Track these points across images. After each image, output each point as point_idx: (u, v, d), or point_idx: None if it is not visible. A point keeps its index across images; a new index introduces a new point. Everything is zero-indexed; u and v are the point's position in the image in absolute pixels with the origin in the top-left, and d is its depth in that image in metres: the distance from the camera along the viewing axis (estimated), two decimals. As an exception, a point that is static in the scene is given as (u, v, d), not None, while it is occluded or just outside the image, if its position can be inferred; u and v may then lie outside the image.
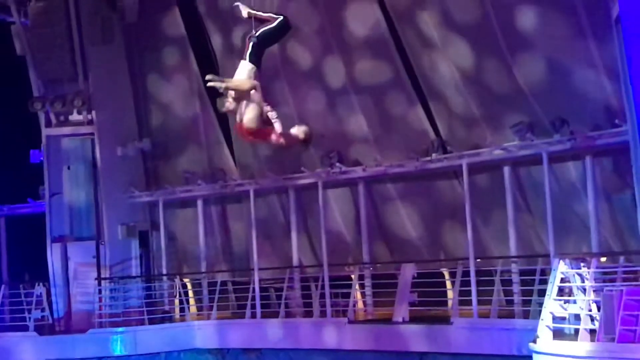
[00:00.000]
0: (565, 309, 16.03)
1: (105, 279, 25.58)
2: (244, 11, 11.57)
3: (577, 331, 15.50)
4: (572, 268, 16.13)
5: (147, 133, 27.25)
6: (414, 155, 22.24)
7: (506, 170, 20.77)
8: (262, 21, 11.55)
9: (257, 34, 11.43)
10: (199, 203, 26.54)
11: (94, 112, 26.21)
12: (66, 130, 26.45)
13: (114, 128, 26.52)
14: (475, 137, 21.66)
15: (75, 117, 26.35)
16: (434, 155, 21.90)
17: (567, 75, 19.57)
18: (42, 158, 26.55)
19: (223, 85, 11.32)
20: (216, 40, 25.95)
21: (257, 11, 11.64)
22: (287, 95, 24.71)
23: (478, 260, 20.82)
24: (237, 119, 11.60)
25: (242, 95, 11.40)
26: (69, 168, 26.32)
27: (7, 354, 24.13)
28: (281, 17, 11.51)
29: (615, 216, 19.50)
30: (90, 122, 26.31)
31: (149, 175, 27.59)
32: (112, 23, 26.25)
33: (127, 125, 26.83)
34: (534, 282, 19.33)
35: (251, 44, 11.37)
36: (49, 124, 26.47)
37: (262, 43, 11.50)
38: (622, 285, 15.38)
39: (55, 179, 26.39)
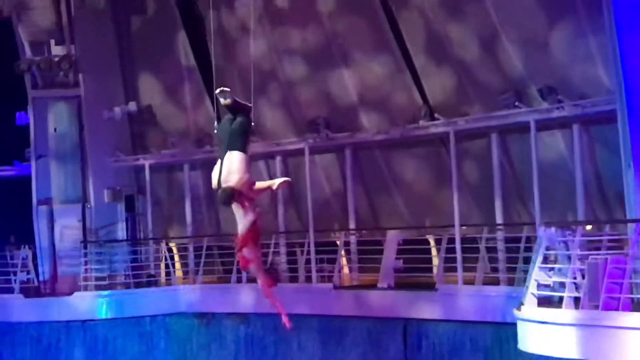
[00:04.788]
0: (550, 277, 16.10)
1: (91, 242, 25.56)
2: (228, 99, 10.38)
3: (561, 299, 15.56)
4: (557, 236, 16.18)
5: (133, 96, 27.14)
6: (401, 122, 22.22)
7: (493, 138, 20.78)
8: (237, 108, 10.48)
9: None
10: (185, 167, 26.51)
11: (80, 75, 26.08)
12: (52, 92, 26.30)
13: (101, 91, 26.40)
14: (463, 104, 21.64)
15: (61, 79, 26.21)
16: (421, 122, 21.89)
17: (555, 44, 19.55)
18: (28, 120, 26.43)
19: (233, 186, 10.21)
20: (204, 4, 25.78)
21: (237, 99, 10.50)
22: (273, 60, 24.65)
23: (464, 227, 20.87)
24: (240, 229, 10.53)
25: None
26: (55, 131, 26.21)
27: (-7, 316, 24.21)
28: (251, 105, 10.65)
29: (602, 185, 19.56)
30: (76, 85, 26.18)
31: (135, 139, 27.52)
32: (99, -15, 26.09)
33: (113, 89, 26.73)
34: (519, 250, 19.40)
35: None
36: (35, 86, 26.34)
37: None
38: (607, 254, 15.43)
39: (42, 141, 26.30)
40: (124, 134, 27.07)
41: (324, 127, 23.52)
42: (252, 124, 10.40)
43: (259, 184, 10.55)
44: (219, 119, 10.80)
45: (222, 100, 10.34)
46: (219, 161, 10.30)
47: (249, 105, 10.52)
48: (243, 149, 10.31)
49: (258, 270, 10.51)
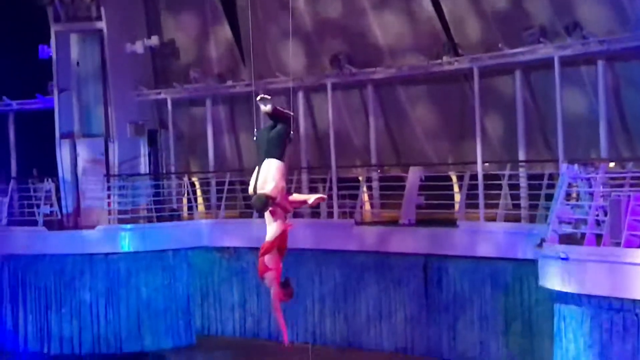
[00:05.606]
0: (572, 214, 16.09)
1: (113, 176, 25.63)
2: (268, 107, 10.39)
3: (583, 235, 15.57)
4: (580, 173, 16.14)
5: (155, 30, 27.04)
6: (425, 58, 22.08)
7: (517, 74, 20.63)
8: (277, 115, 10.51)
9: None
10: (208, 102, 26.49)
11: (102, 8, 25.91)
12: (75, 26, 26.16)
13: (123, 25, 26.20)
14: (487, 40, 21.47)
15: (84, 13, 26.06)
16: (444, 58, 21.73)
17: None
18: (50, 54, 26.36)
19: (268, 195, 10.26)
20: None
21: (277, 106, 10.50)
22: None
23: (486, 164, 20.82)
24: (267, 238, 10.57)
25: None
26: (77, 64, 26.14)
27: (17, 248, 24.37)
28: (291, 114, 10.67)
29: (626, 122, 19.43)
30: (99, 18, 26.03)
31: (158, 74, 27.49)
32: None
33: (135, 22, 26.57)
34: (541, 187, 19.35)
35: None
36: (57, 19, 26.18)
37: None
38: (630, 191, 15.37)
39: (64, 75, 26.19)
40: (146, 68, 27.02)
41: (347, 63, 23.40)
42: (292, 132, 10.46)
43: (295, 196, 10.72)
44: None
45: (262, 107, 10.44)
46: (256, 168, 10.41)
47: (289, 113, 10.60)
48: (280, 157, 10.43)
49: (274, 280, 10.64)
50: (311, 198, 10.70)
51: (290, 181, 24.03)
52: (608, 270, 14.64)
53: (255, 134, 10.69)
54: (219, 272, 24.96)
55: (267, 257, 10.59)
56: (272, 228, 10.52)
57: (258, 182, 10.37)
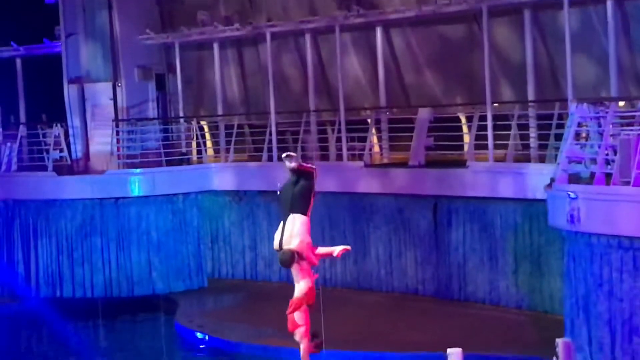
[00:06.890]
0: (582, 153, 16.07)
1: (122, 120, 25.63)
2: (293, 164, 10.61)
3: (593, 175, 15.57)
4: (590, 112, 16.08)
5: (161, -27, 26.93)
6: (433, -3, 21.95)
7: (526, 14, 20.48)
8: (301, 171, 10.67)
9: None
10: (215, 46, 26.36)
11: (108, -48, 25.81)
12: (80, -31, 26.04)
13: (129, -33, 26.14)
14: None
15: (88, -45, 25.94)
16: (453, -3, 21.59)
17: None
18: (56, -1, 26.27)
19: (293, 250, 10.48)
20: None
21: (301, 162, 10.72)
22: None
23: (495, 104, 20.75)
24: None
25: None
26: (84, 9, 26.00)
27: (27, 194, 24.45)
28: (315, 168, 10.80)
29: (635, 61, 19.32)
30: (104, -39, 25.91)
31: (165, 17, 27.33)
32: None
33: (142, -35, 26.46)
34: (551, 127, 19.31)
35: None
36: (62, -37, 26.07)
37: None
38: (640, 130, 15.34)
39: (71, 19, 26.11)
40: (153, 11, 26.89)
41: (355, 4, 23.25)
42: (315, 187, 10.65)
43: (320, 250, 10.85)
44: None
45: (287, 164, 10.54)
46: (281, 223, 10.58)
47: (313, 167, 10.67)
48: (305, 212, 10.63)
49: (304, 336, 10.75)
50: (336, 250, 10.86)
51: (299, 124, 24.01)
52: (617, 209, 14.66)
53: (278, 187, 10.83)
54: (229, 216, 25.06)
55: (297, 315, 10.72)
56: (300, 285, 10.64)
57: (284, 237, 10.55)
